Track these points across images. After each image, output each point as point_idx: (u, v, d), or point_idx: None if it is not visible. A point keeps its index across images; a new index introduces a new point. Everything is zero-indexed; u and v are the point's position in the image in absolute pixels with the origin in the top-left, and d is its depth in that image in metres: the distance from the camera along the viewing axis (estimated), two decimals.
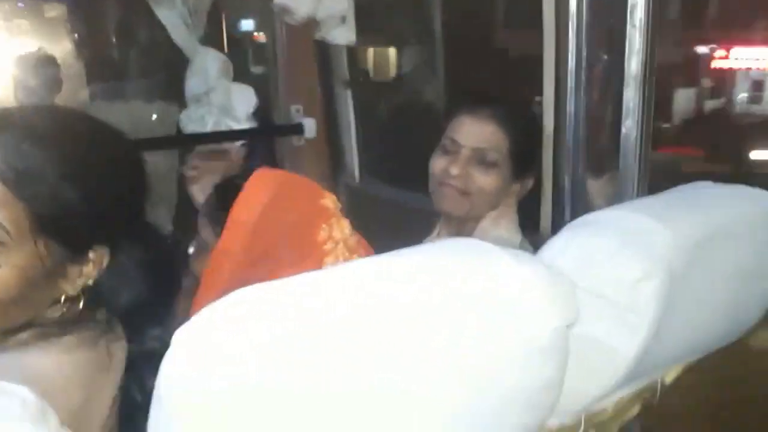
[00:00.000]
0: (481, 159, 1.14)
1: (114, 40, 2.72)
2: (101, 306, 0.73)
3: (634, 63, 1.18)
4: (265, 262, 0.92)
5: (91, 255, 0.69)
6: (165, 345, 0.54)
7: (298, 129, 1.95)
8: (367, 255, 0.99)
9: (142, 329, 0.78)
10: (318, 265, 0.94)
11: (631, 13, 1.18)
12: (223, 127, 1.87)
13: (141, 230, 0.77)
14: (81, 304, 0.71)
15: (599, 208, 1.30)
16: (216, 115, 1.86)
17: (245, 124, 1.89)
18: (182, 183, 2.19)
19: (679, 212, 0.88)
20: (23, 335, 0.67)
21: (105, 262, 0.71)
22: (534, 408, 0.71)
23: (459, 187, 1.15)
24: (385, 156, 2.10)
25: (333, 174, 2.10)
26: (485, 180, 1.14)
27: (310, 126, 1.96)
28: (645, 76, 1.21)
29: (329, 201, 1.01)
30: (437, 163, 1.18)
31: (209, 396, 0.48)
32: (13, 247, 0.63)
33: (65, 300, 0.69)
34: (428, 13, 1.90)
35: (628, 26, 1.18)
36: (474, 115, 1.15)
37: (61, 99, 2.24)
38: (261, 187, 0.96)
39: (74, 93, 2.42)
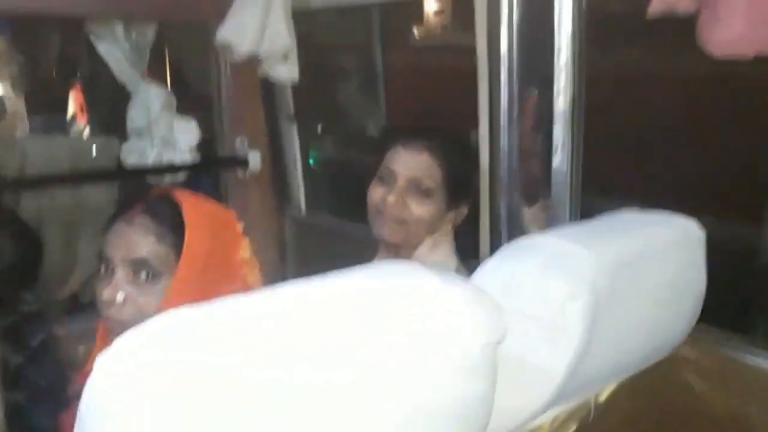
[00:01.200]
0: (416, 188, 1.18)
1: (54, 73, 2.68)
2: None
3: (561, 101, 1.26)
4: (202, 284, 0.94)
5: None
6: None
7: (243, 162, 1.95)
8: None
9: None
10: (244, 283, 0.99)
11: (558, 54, 1.26)
12: (165, 160, 1.86)
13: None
14: None
15: (534, 226, 1.36)
16: (158, 147, 1.85)
17: (188, 157, 1.89)
18: None
19: (603, 237, 0.94)
20: None
21: None
22: (468, 423, 0.73)
23: (396, 215, 1.18)
24: (330, 188, 2.13)
25: (279, 206, 2.10)
26: (421, 208, 1.18)
27: (255, 159, 1.96)
28: (573, 112, 1.28)
29: (239, 224, 1.05)
30: (375, 193, 1.22)
31: (127, 413, 0.47)
32: None
33: None
34: (369, 49, 1.96)
35: (556, 67, 1.26)
36: (408, 145, 1.20)
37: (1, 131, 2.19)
38: (200, 215, 0.98)
39: (13, 126, 2.36)
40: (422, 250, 1.22)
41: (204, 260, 0.95)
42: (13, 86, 2.50)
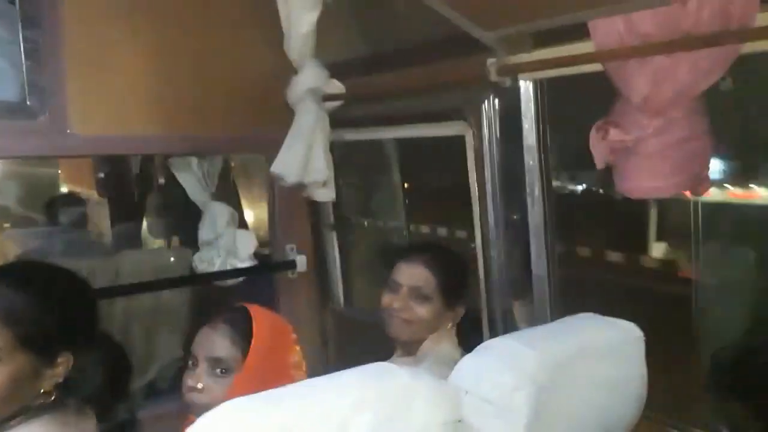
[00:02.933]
0: (417, 294, 1.49)
1: (136, 195, 3.18)
2: (72, 394, 1.07)
3: (532, 219, 1.58)
4: (259, 380, 1.26)
5: (59, 360, 1.05)
6: (129, 417, 0.89)
7: (292, 264, 2.33)
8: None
9: (108, 409, 1.09)
10: (292, 380, 1.29)
11: (530, 185, 1.60)
12: (228, 266, 2.26)
13: (97, 339, 1.12)
14: (53, 397, 1.05)
15: (524, 327, 1.63)
16: (223, 256, 2.26)
17: (247, 263, 2.29)
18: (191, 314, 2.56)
19: (550, 339, 1.22)
20: (13, 421, 1.02)
21: (70, 364, 1.06)
22: None
23: (402, 317, 1.49)
24: (364, 285, 2.46)
25: (321, 300, 2.45)
26: (422, 310, 1.49)
27: (301, 261, 2.34)
28: (545, 229, 1.60)
29: (293, 332, 1.35)
30: (384, 299, 1.54)
31: None
32: (4, 360, 0.99)
33: (43, 393, 1.04)
34: (392, 171, 2.35)
35: (528, 195, 1.60)
36: (408, 260, 1.52)
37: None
38: (264, 326, 1.30)
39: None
40: (427, 343, 1.50)
41: (262, 362, 1.24)
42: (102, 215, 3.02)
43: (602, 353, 1.26)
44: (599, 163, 1.34)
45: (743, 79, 1.24)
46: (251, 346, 1.24)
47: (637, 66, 1.19)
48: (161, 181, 3.11)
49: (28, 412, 1.04)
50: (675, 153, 1.17)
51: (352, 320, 2.37)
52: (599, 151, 1.32)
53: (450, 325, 1.54)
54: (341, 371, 0.99)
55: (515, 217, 1.63)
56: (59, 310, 1.05)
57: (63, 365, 1.06)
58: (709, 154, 1.21)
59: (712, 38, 1.10)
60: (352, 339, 2.11)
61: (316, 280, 2.41)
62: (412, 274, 1.51)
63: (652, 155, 1.18)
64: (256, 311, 1.31)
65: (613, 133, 1.19)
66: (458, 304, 1.54)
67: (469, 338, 1.58)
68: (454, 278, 1.54)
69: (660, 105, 1.16)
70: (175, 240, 2.72)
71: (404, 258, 1.54)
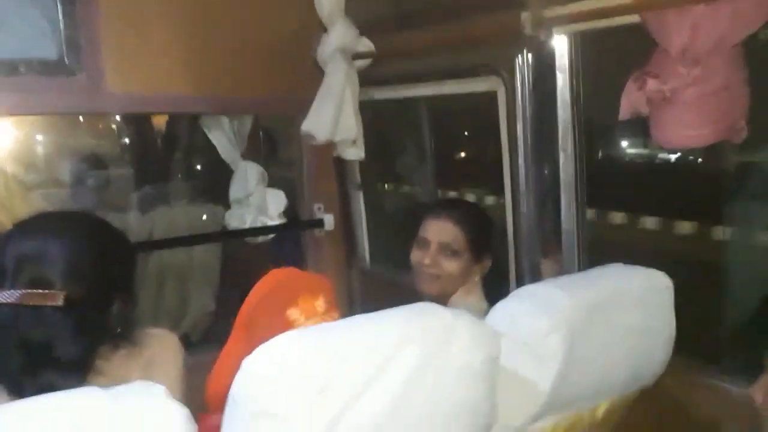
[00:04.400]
0: (446, 250, 1.52)
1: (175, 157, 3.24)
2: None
3: (563, 174, 1.60)
4: (254, 330, 1.33)
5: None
6: None
7: (319, 223, 2.38)
8: None
9: None
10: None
11: (563, 140, 1.61)
12: (259, 224, 2.32)
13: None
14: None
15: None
16: (254, 214, 2.31)
17: (277, 221, 2.34)
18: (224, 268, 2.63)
19: (582, 286, 1.26)
20: None
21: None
22: (477, 418, 1.06)
23: (432, 272, 1.53)
24: (389, 244, 2.50)
25: (348, 259, 2.50)
26: (451, 265, 1.52)
27: (329, 220, 2.39)
28: (576, 185, 1.62)
29: (310, 294, 1.41)
30: (414, 256, 1.57)
31: (272, 401, 0.85)
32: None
33: None
34: (421, 132, 2.37)
35: (561, 152, 1.61)
36: (437, 217, 1.55)
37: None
38: (264, 283, 1.40)
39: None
40: (456, 297, 1.55)
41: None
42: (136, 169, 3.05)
43: (632, 300, 1.29)
44: (624, 114, 1.35)
45: None
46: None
47: (675, 15, 1.19)
48: (187, 142, 3.15)
49: None
50: (713, 102, 1.18)
51: (378, 278, 2.43)
52: (631, 101, 1.33)
53: (477, 278, 1.58)
54: (386, 310, 1.03)
55: (546, 172, 1.65)
56: (111, 258, 1.10)
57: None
58: (746, 104, 1.22)
59: None
60: (378, 297, 2.17)
61: (343, 239, 2.46)
62: (441, 230, 1.54)
63: (690, 105, 1.18)
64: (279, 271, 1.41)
65: (651, 83, 1.20)
66: (485, 258, 1.58)
67: (495, 290, 1.63)
68: (482, 233, 1.57)
69: (699, 54, 1.16)
70: (201, 200, 2.77)
71: (433, 215, 1.56)
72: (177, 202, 2.84)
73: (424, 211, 1.60)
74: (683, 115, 1.25)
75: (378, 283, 2.35)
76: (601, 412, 1.37)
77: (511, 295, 1.25)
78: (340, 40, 2.02)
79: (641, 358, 1.33)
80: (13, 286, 0.99)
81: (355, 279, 2.49)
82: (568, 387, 1.19)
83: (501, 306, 1.23)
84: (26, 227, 1.07)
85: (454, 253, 1.53)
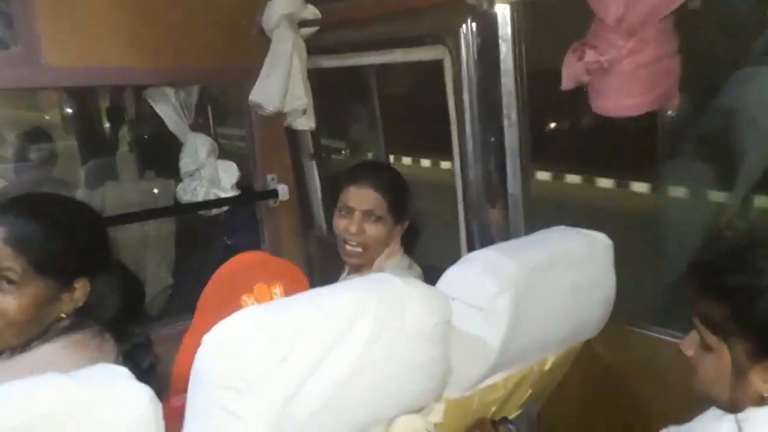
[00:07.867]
0: (370, 216, 1.55)
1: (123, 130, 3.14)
2: (91, 319, 1.13)
3: (508, 141, 1.66)
4: (209, 311, 1.38)
5: (76, 285, 1.10)
6: (145, 339, 0.99)
7: (273, 194, 2.39)
8: None
9: (124, 332, 1.15)
10: None
11: (507, 108, 1.66)
12: (212, 197, 2.30)
13: (111, 266, 1.18)
14: (70, 319, 1.10)
15: (498, 237, 1.73)
16: (206, 186, 2.29)
17: (230, 193, 2.33)
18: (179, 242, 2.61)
19: (526, 249, 1.33)
20: (33, 344, 1.07)
21: (87, 289, 1.12)
22: (432, 375, 1.12)
23: (358, 241, 1.55)
24: None
25: (304, 228, 2.52)
26: (376, 230, 1.55)
27: (283, 191, 2.39)
28: (520, 151, 1.68)
29: (266, 281, 1.47)
30: (339, 224, 1.58)
31: (233, 373, 0.88)
32: (22, 285, 1.04)
33: (63, 318, 1.10)
34: (370, 100, 2.38)
35: (504, 120, 1.66)
36: (358, 185, 1.56)
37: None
38: (225, 267, 1.44)
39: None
40: (380, 259, 1.59)
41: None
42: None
43: (574, 261, 1.37)
44: (567, 84, 1.41)
45: None
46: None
47: None
48: (135, 114, 3.06)
49: (47, 334, 1.10)
50: (648, 72, 1.24)
51: (335, 245, 2.46)
52: (572, 71, 1.38)
53: (398, 237, 1.62)
54: (342, 282, 1.08)
55: (492, 139, 1.70)
56: (71, 236, 1.10)
57: (80, 290, 1.12)
58: (678, 73, 1.29)
59: None
60: (338, 263, 2.21)
61: (298, 209, 2.47)
62: (363, 197, 1.55)
63: (627, 75, 1.24)
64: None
65: (589, 54, 1.26)
66: (404, 218, 1.61)
67: (413, 246, 1.68)
68: (401, 195, 1.60)
69: (633, 25, 1.22)
70: (151, 174, 2.72)
71: (353, 182, 1.57)
72: (127, 177, 2.78)
73: (343, 179, 1.61)
74: (620, 85, 1.31)
75: (335, 250, 2.40)
76: (548, 364, 1.47)
77: (460, 260, 1.30)
78: (285, 7, 1.99)
79: (584, 313, 1.42)
80: None
81: (312, 247, 2.52)
82: (517, 344, 1.27)
83: (451, 271, 1.29)
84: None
85: (378, 219, 1.55)
